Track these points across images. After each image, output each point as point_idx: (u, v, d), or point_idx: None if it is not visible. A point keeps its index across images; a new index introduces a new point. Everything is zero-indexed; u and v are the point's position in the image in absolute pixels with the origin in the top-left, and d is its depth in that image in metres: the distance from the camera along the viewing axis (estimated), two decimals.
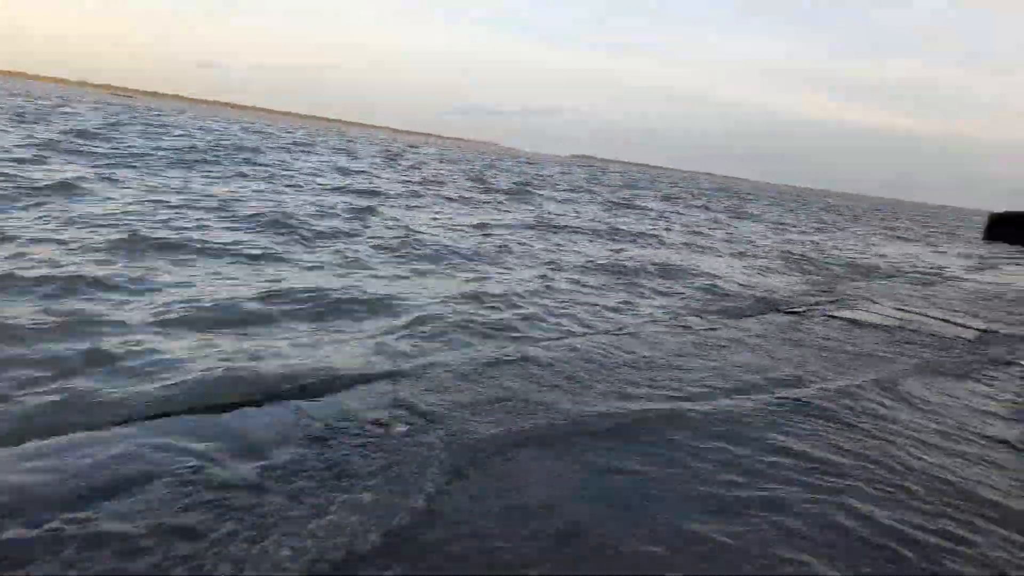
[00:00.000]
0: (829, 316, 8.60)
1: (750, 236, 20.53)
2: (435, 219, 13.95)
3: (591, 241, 13.96)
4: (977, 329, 8.90)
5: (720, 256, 14.05)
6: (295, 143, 39.36)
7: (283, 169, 20.94)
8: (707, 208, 33.62)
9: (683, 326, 7.06)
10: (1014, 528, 3.32)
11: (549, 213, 18.74)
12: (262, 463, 3.08)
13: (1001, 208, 42.16)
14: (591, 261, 10.93)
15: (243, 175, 17.32)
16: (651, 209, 26.65)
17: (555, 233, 14.37)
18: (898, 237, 31.52)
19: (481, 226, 13.51)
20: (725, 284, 10.25)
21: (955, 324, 9.09)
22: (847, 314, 8.85)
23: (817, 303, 9.62)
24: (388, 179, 22.93)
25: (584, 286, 8.77)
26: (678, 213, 26.73)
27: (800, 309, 8.90)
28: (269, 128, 61.85)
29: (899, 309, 9.83)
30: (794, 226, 28.88)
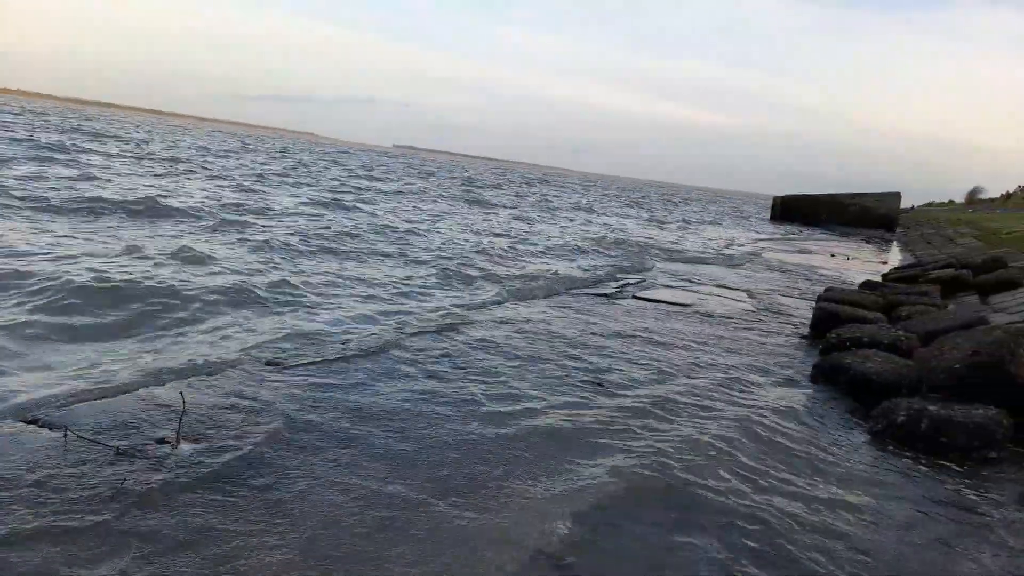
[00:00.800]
0: (636, 298, 9.13)
1: (566, 223, 21.38)
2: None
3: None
4: (755, 307, 9.84)
5: (545, 240, 14.47)
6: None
7: None
8: (528, 198, 34.60)
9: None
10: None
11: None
12: None
13: (781, 191, 47.56)
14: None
15: None
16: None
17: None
18: (699, 221, 34.28)
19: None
20: (545, 268, 10.56)
21: (738, 301, 10.00)
22: (651, 295, 9.44)
23: (626, 285, 10.17)
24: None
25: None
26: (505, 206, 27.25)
27: (610, 291, 9.36)
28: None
29: (693, 288, 10.65)
30: (607, 213, 30.47)
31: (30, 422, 3.44)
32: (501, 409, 4.29)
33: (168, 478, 3.00)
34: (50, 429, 3.36)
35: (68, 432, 3.28)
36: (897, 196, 43.32)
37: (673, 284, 10.91)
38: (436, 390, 4.54)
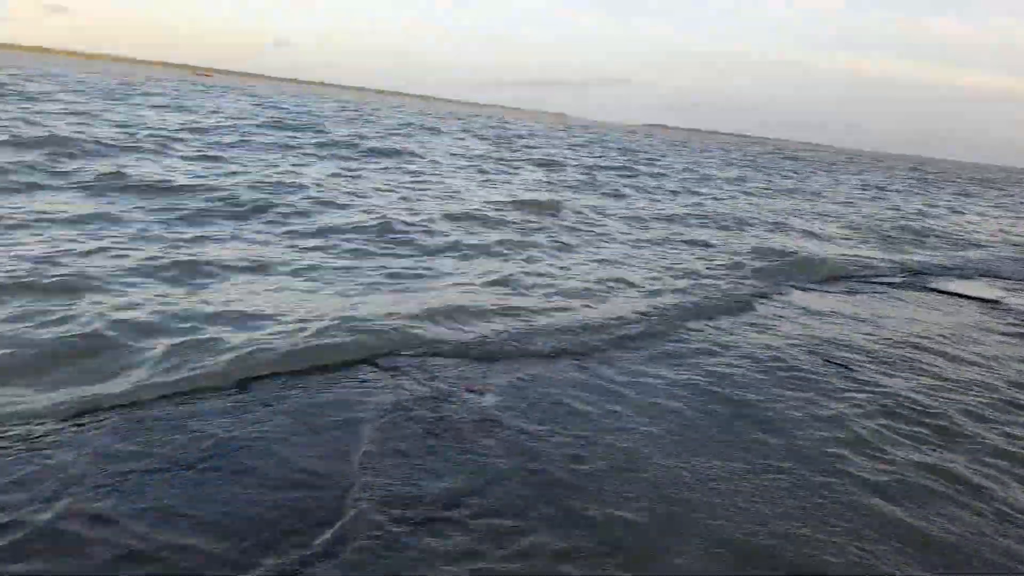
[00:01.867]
0: (927, 288, 8.14)
1: (844, 205, 19.64)
2: None
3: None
4: None
5: (814, 230, 13.45)
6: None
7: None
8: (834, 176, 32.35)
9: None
10: None
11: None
12: None
13: None
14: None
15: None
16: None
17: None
18: (997, 202, 29.60)
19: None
20: (821, 253, 9.75)
21: None
22: (949, 286, 8.34)
23: (919, 274, 9.11)
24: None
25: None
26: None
27: (897, 280, 8.44)
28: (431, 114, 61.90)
29: (1000, 282, 9.22)
30: (886, 190, 27.53)
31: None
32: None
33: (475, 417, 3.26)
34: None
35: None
36: None
37: (973, 276, 9.51)
38: None
